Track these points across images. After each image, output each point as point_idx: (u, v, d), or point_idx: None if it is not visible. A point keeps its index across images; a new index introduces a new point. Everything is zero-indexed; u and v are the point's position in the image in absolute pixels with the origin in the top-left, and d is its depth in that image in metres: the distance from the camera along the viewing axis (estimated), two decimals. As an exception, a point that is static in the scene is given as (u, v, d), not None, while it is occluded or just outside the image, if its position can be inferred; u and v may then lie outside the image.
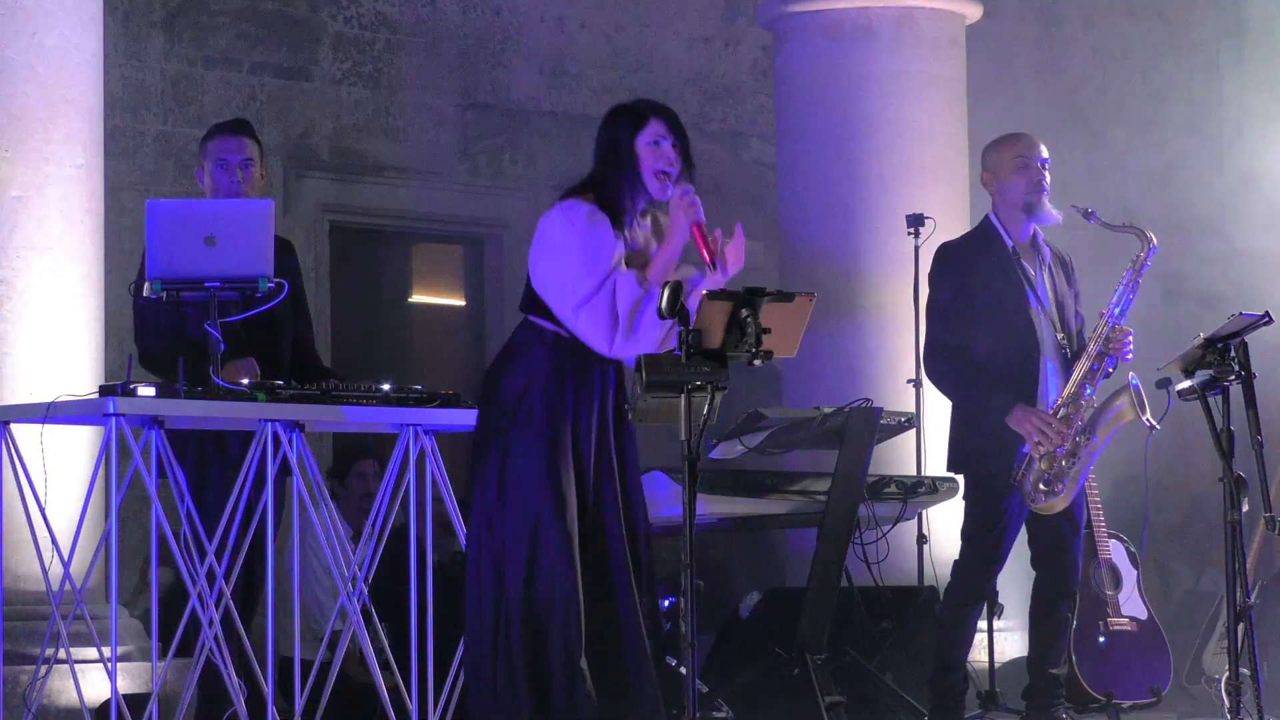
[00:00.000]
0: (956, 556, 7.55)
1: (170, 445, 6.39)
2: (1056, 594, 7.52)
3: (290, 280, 7.09)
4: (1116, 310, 7.35)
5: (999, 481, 7.34)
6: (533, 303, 6.17)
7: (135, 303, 6.77)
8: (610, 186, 6.10)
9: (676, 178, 6.09)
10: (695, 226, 6.01)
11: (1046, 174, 7.51)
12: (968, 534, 7.50)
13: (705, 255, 6.02)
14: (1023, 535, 7.54)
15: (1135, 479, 11.51)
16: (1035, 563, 7.54)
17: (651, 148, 6.09)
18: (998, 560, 7.48)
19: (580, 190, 6.16)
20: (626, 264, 6.06)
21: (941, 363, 7.46)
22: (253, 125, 7.35)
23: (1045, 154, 7.54)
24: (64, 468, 7.20)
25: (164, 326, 6.78)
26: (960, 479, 7.65)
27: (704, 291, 5.73)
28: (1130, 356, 7.35)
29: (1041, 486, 7.29)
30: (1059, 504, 7.32)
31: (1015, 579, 9.40)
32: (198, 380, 6.17)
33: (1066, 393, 7.32)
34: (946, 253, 7.56)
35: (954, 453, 7.52)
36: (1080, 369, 7.32)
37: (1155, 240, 7.45)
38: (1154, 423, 7.38)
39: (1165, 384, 7.42)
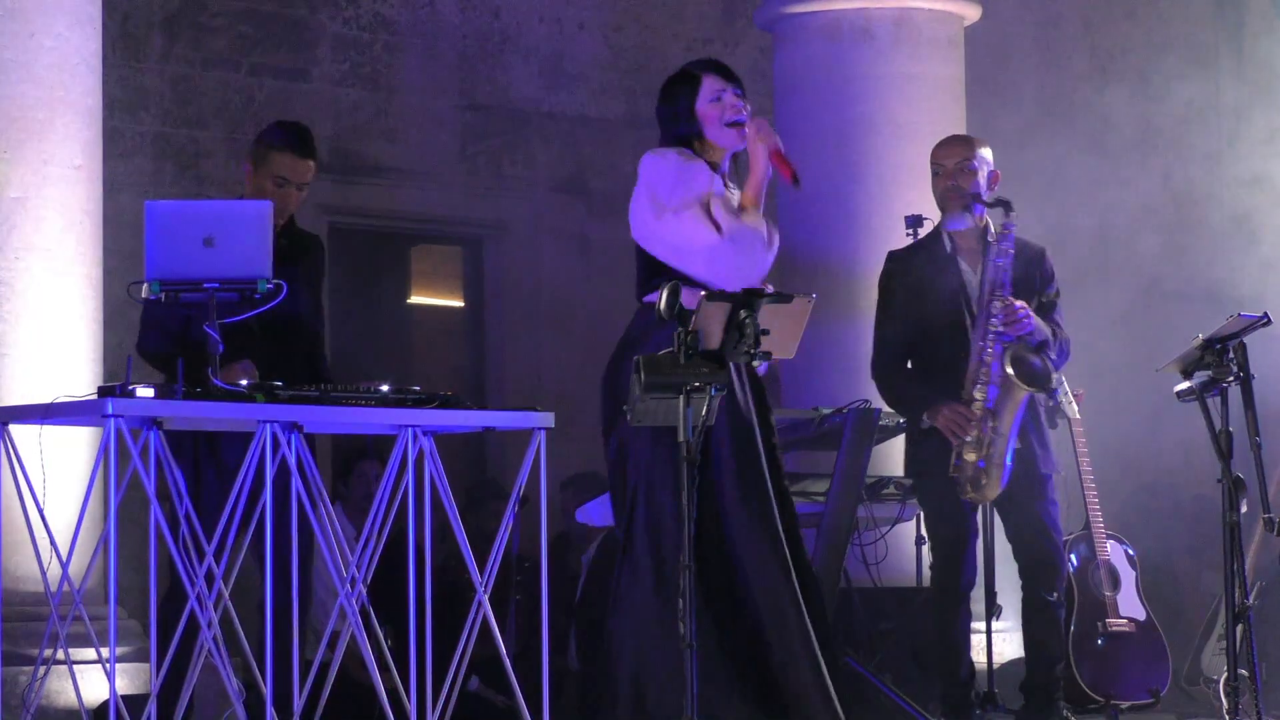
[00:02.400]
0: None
1: (168, 446, 6.39)
2: (1038, 589, 7.53)
3: (314, 279, 7.11)
4: (991, 286, 7.37)
5: (950, 481, 7.40)
6: (646, 284, 6.19)
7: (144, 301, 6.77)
8: (675, 141, 6.18)
9: (748, 120, 6.14)
10: (773, 154, 6.06)
11: (958, 179, 7.48)
12: (933, 539, 7.57)
13: (787, 177, 6.14)
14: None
15: (1146, 486, 11.57)
16: (1016, 558, 7.59)
17: (714, 104, 6.15)
18: (965, 558, 7.51)
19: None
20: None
21: (880, 370, 7.61)
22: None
23: (962, 158, 7.50)
24: (63, 468, 7.20)
25: (168, 329, 6.78)
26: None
27: (702, 294, 5.74)
28: (1031, 326, 7.33)
29: (971, 476, 7.34)
30: (989, 493, 7.33)
31: (1014, 580, 9.40)
32: (196, 381, 6.16)
33: (969, 378, 7.35)
34: (888, 260, 7.66)
35: (907, 457, 7.59)
36: (979, 351, 7.35)
37: (1013, 211, 7.45)
38: (1051, 393, 7.39)
39: (1043, 348, 7.38)
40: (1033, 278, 7.54)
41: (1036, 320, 7.36)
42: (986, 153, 7.57)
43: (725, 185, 6.24)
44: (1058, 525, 7.56)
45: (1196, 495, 11.64)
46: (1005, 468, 7.32)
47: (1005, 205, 7.46)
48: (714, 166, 6.22)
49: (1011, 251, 7.38)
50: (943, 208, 7.56)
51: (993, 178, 7.57)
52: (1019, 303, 7.33)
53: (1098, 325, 11.61)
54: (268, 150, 7.04)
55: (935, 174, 7.58)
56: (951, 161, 7.52)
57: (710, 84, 6.17)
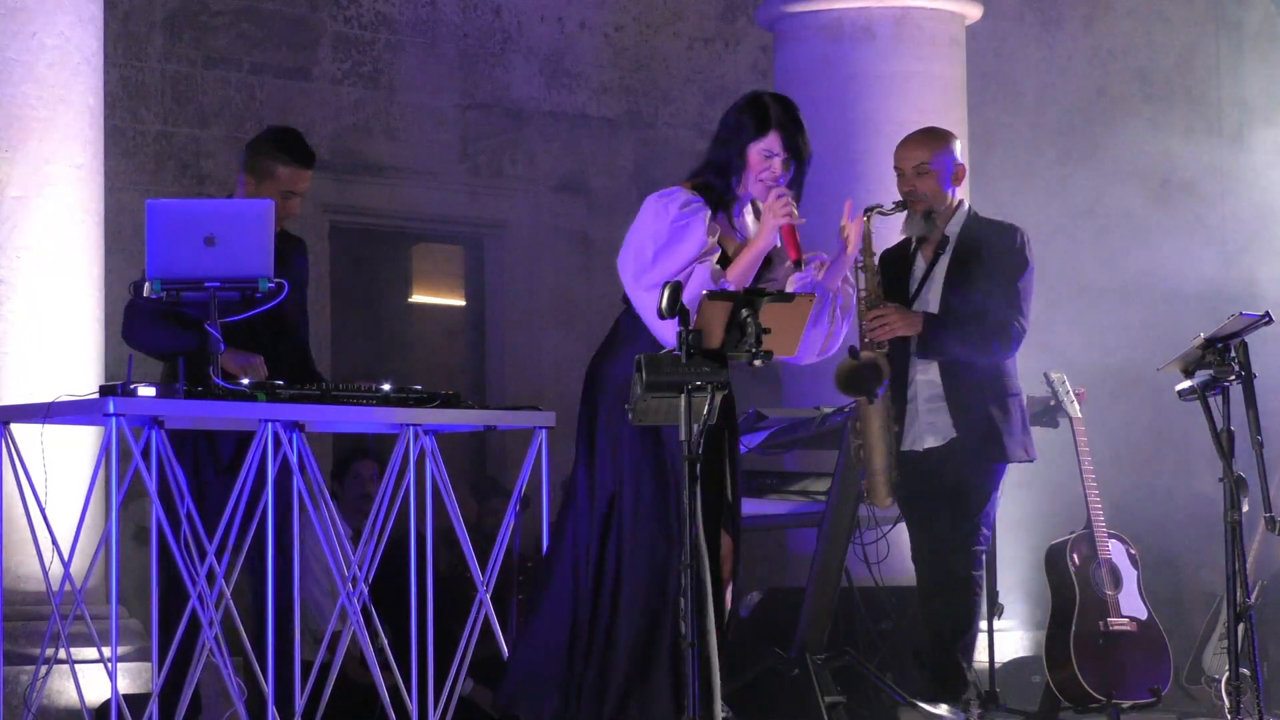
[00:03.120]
0: None
1: (170, 446, 6.39)
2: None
3: (299, 281, 7.11)
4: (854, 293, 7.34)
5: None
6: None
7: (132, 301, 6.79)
8: (718, 174, 6.14)
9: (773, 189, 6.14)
10: (784, 229, 6.03)
11: (915, 183, 7.41)
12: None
13: (791, 255, 6.08)
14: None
15: (1140, 485, 11.57)
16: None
17: (763, 157, 6.12)
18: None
19: (694, 174, 6.19)
20: (730, 252, 6.12)
21: None
22: None
23: (919, 162, 7.39)
24: (64, 468, 7.20)
25: (158, 326, 6.78)
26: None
27: (704, 292, 5.74)
28: (886, 332, 7.25)
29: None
30: (875, 500, 7.30)
31: (1015, 579, 9.40)
32: (198, 380, 6.17)
33: None
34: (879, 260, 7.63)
35: None
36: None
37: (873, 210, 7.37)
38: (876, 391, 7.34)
39: (854, 353, 7.33)
40: (995, 259, 7.41)
41: (917, 327, 7.26)
42: (949, 149, 7.47)
43: (740, 219, 6.23)
44: (974, 527, 7.42)
45: (1193, 493, 11.65)
46: (884, 473, 7.23)
47: (899, 205, 7.43)
48: (725, 202, 6.18)
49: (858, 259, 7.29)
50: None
51: (956, 173, 7.46)
52: (876, 310, 7.27)
53: (1099, 323, 11.61)
54: (272, 164, 7.01)
55: (898, 175, 7.52)
56: (908, 165, 7.45)
57: (772, 140, 6.14)
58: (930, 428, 7.40)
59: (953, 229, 7.46)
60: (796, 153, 6.13)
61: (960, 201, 7.53)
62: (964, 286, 7.38)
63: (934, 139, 7.54)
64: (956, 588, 7.41)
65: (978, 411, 7.34)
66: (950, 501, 7.37)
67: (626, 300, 6.19)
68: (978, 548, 7.42)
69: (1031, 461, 7.53)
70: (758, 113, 6.17)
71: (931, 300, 7.43)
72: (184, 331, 6.64)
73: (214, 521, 6.50)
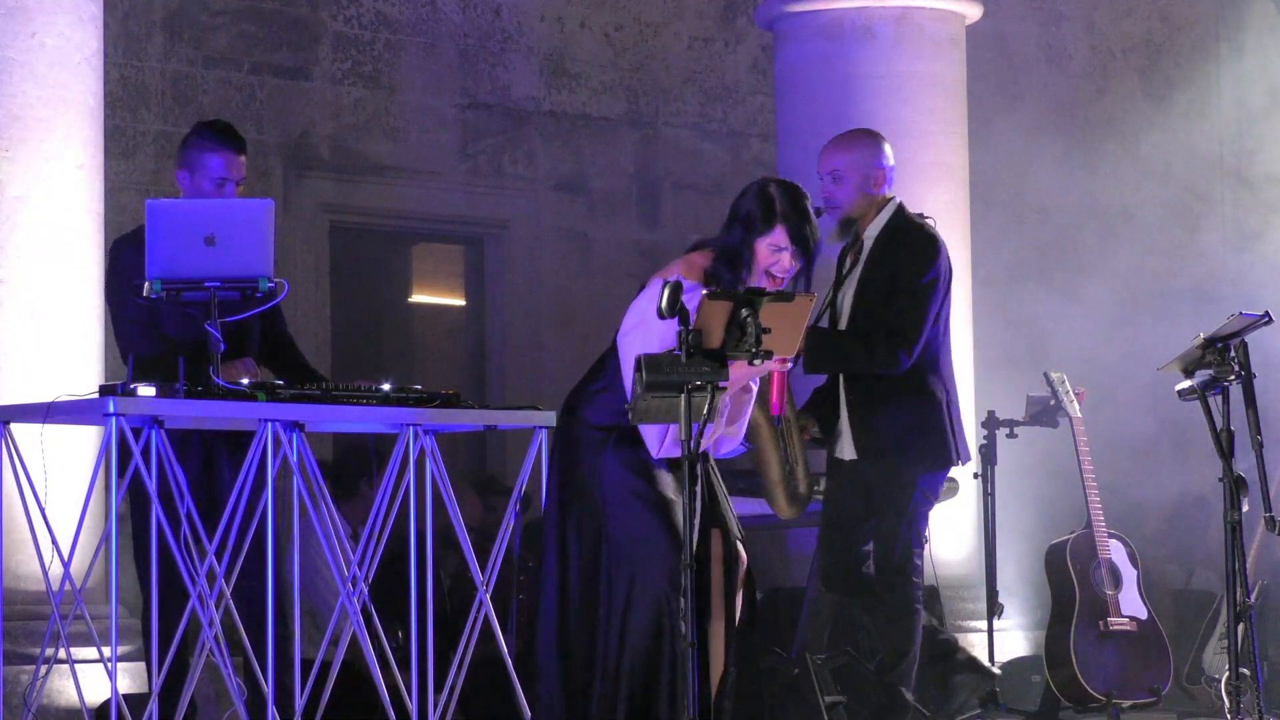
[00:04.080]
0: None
1: (172, 442, 6.39)
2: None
3: None
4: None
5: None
6: (599, 373, 6.22)
7: (123, 305, 6.77)
8: (728, 266, 6.13)
9: (787, 283, 6.15)
10: (775, 374, 6.05)
11: (825, 189, 7.32)
12: None
13: (774, 408, 6.14)
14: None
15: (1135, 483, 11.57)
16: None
17: (771, 251, 6.12)
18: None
19: (702, 244, 6.21)
20: None
21: None
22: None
23: (832, 167, 7.33)
24: (64, 468, 7.20)
25: (147, 328, 6.77)
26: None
27: (704, 291, 5.74)
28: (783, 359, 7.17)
29: None
30: (775, 507, 7.08)
31: (1015, 579, 9.40)
32: (197, 380, 6.17)
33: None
34: None
35: None
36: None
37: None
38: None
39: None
40: (901, 264, 7.25)
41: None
42: (867, 152, 7.36)
43: None
44: (884, 541, 7.35)
45: (1184, 493, 11.65)
46: (781, 483, 7.11)
47: (815, 212, 7.35)
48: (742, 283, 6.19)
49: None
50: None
51: (875, 178, 7.31)
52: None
53: (1097, 323, 11.61)
54: (202, 155, 6.96)
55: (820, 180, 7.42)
56: (823, 170, 7.39)
57: (779, 235, 6.12)
58: (848, 438, 7.32)
59: (871, 233, 7.32)
60: (804, 243, 6.13)
61: (888, 202, 7.35)
62: (870, 293, 7.27)
63: (849, 143, 7.43)
64: (890, 613, 7.38)
65: (883, 424, 7.23)
66: (873, 512, 7.31)
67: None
68: (914, 564, 7.34)
69: (962, 464, 7.40)
70: (764, 205, 6.16)
71: (845, 306, 7.34)
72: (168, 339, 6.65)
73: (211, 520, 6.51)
